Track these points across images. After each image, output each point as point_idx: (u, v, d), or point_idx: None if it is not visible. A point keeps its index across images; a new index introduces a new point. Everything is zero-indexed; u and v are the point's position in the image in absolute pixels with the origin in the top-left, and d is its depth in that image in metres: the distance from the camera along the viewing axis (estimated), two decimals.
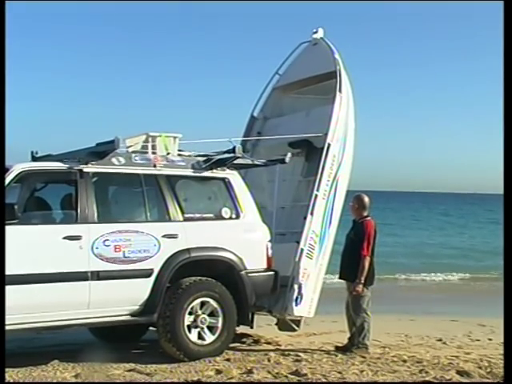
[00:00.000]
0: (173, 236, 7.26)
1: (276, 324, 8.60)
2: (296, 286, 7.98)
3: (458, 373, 7.12)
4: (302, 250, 8.05)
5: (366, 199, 8.19)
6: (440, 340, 9.21)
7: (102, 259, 6.85)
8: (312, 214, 8.16)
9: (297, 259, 8.02)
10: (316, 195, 8.21)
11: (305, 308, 8.12)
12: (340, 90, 8.74)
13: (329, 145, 8.40)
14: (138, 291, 7.08)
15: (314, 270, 8.16)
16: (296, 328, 8.58)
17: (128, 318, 7.13)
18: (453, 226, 48.22)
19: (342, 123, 8.62)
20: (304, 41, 9.75)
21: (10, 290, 6.32)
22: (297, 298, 7.99)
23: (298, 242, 8.10)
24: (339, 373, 6.96)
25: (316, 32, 9.48)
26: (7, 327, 6.38)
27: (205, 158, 7.88)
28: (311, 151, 8.95)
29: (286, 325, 8.54)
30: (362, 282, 7.86)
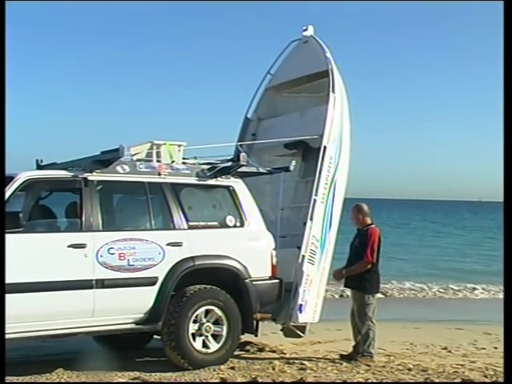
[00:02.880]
0: (177, 244, 7.26)
1: (281, 330, 8.58)
2: (299, 293, 7.96)
3: (464, 382, 7.10)
4: (304, 256, 8.03)
5: (365, 206, 8.19)
6: (445, 348, 9.17)
7: (106, 267, 6.84)
8: (312, 219, 8.14)
9: (299, 266, 8.01)
10: (315, 200, 8.19)
11: (309, 314, 8.10)
12: (333, 90, 8.67)
13: (325, 147, 8.36)
14: (143, 299, 7.07)
15: (317, 275, 8.14)
16: (301, 334, 8.56)
17: (133, 326, 7.12)
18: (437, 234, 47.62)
19: (337, 124, 8.56)
20: (294, 39, 9.61)
21: (14, 298, 6.32)
22: (301, 304, 7.98)
23: (299, 248, 8.08)
24: (344, 381, 6.95)
25: (306, 29, 9.36)
26: (12, 335, 6.38)
27: (209, 166, 7.88)
28: (307, 151, 8.89)
29: (291, 331, 8.52)
30: (344, 273, 7.97)
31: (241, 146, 9.17)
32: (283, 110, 9.78)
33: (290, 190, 8.91)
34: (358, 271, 7.88)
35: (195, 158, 8.10)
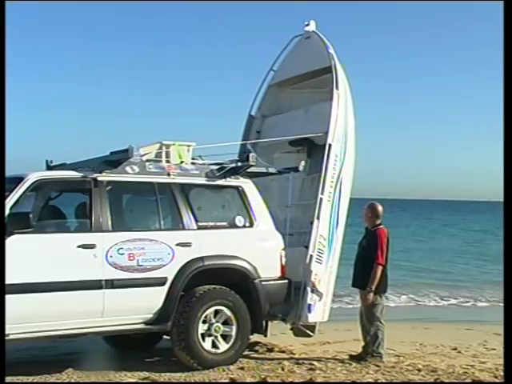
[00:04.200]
0: (187, 244, 7.26)
1: (291, 329, 8.56)
2: (308, 293, 7.94)
3: (474, 382, 7.07)
4: (312, 255, 8.01)
5: (380, 208, 8.15)
6: (455, 349, 9.14)
7: (116, 267, 6.85)
8: (318, 218, 8.11)
9: (307, 265, 7.98)
10: (321, 199, 8.15)
11: (319, 313, 8.09)
12: (337, 87, 8.61)
13: (329, 145, 8.32)
14: (152, 300, 7.08)
15: (325, 274, 8.12)
16: (311, 334, 8.54)
17: (142, 326, 7.12)
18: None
19: (342, 121, 8.51)
20: (296, 34, 9.52)
21: (24, 298, 6.35)
22: (309, 304, 7.96)
23: (307, 247, 8.06)
24: (353, 382, 6.93)
25: (308, 25, 9.28)
26: (22, 335, 6.41)
27: (218, 167, 7.88)
28: (313, 148, 8.84)
29: (300, 331, 8.51)
30: (373, 290, 7.80)
31: (246, 144, 9.16)
32: (287, 107, 9.74)
33: (297, 186, 8.85)
34: (377, 277, 7.78)
35: (200, 156, 8.09)
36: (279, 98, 9.96)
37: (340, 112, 8.54)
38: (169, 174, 7.51)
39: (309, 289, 7.95)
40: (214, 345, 7.35)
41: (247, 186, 7.95)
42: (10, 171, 7.07)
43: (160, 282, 7.08)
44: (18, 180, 6.77)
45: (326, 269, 8.16)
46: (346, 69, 9.03)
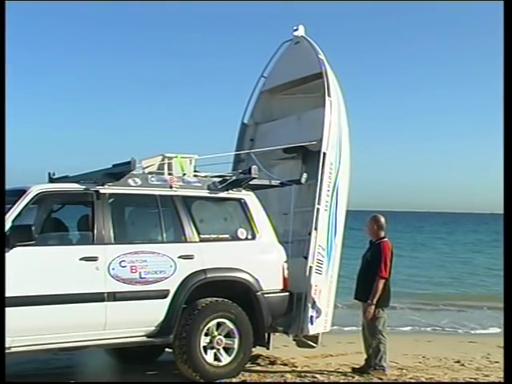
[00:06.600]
0: (189, 257, 7.26)
1: (294, 340, 8.52)
2: (309, 305, 7.92)
3: (473, 382, 7.03)
4: (311, 267, 7.98)
5: (383, 219, 8.13)
6: (458, 362, 9.09)
7: (118, 280, 6.84)
8: (316, 228, 8.08)
9: (307, 277, 7.96)
10: (318, 209, 8.12)
11: (320, 324, 8.07)
12: (329, 94, 8.55)
13: (324, 154, 8.27)
14: (154, 312, 7.06)
15: (325, 284, 8.11)
16: (314, 345, 8.50)
17: (144, 339, 7.09)
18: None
19: (335, 129, 8.46)
20: (286, 40, 9.44)
21: (26, 311, 6.33)
22: (311, 316, 7.94)
23: (306, 258, 8.03)
24: None
25: (296, 30, 9.22)
26: (24, 348, 6.38)
27: (220, 179, 7.89)
28: (307, 155, 8.81)
29: (303, 342, 8.47)
30: (374, 303, 7.78)
31: (240, 153, 9.16)
32: (280, 113, 9.67)
33: (293, 194, 8.73)
34: (379, 290, 7.76)
35: (195, 166, 8.06)
36: (271, 104, 9.88)
37: (333, 119, 8.48)
38: (171, 187, 7.52)
39: (310, 300, 7.94)
40: (216, 357, 7.32)
41: (249, 198, 7.95)
42: (12, 183, 7.08)
43: (162, 294, 7.07)
44: (21, 192, 6.77)
45: (326, 279, 8.14)
46: (341, 77, 8.98)
